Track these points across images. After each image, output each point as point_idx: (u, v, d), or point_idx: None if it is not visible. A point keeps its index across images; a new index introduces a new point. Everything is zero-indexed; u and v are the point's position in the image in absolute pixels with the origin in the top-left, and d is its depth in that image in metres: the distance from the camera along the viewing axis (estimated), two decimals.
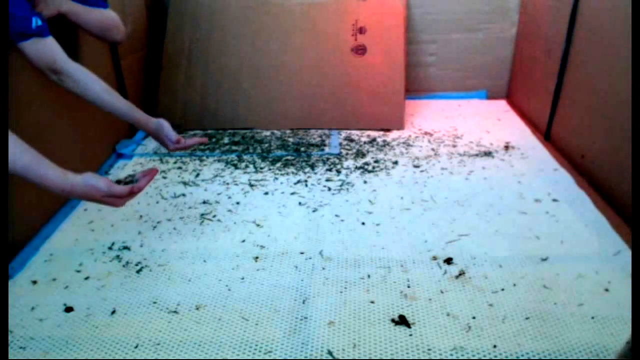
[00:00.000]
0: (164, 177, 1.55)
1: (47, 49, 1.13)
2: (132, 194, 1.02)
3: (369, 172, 1.56)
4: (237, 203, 1.40)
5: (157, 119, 1.28)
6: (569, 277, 1.05)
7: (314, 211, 1.34)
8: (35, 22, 1.09)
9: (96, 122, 1.59)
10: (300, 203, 1.39)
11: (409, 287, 1.04)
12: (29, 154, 0.91)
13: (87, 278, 1.09)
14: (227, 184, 1.51)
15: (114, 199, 1.00)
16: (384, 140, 1.80)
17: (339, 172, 1.57)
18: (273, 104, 1.92)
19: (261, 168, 1.60)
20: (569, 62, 1.62)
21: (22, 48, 1.10)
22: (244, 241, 1.22)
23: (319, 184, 1.50)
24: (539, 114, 1.86)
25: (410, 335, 0.91)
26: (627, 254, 1.11)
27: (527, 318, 0.94)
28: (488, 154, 1.67)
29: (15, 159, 0.88)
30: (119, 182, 1.04)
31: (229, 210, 1.36)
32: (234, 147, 1.76)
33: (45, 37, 1.12)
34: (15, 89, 1.17)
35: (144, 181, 1.05)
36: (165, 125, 1.28)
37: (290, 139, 1.82)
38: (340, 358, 0.87)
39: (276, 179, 1.53)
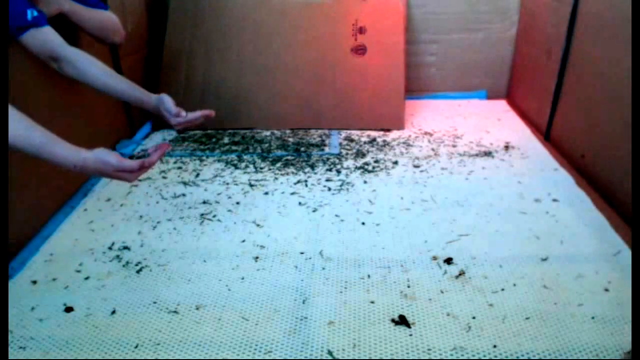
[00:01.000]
0: (164, 177, 1.55)
1: (46, 38, 1.14)
2: (143, 168, 1.03)
3: (369, 172, 1.56)
4: (237, 203, 1.40)
5: (159, 94, 1.27)
6: (569, 277, 1.05)
7: (314, 211, 1.34)
8: (31, 13, 1.09)
9: (96, 122, 1.59)
10: (300, 203, 1.39)
11: (409, 287, 1.04)
12: (40, 132, 0.92)
13: (87, 278, 1.09)
14: (227, 184, 1.50)
15: (125, 174, 1.01)
16: (384, 140, 1.80)
17: (339, 172, 1.56)
18: (273, 103, 1.92)
19: (261, 168, 1.60)
20: (569, 62, 1.62)
21: (23, 42, 1.11)
22: (244, 241, 1.22)
23: (319, 184, 1.49)
24: (539, 114, 1.86)
25: (410, 335, 0.91)
26: (627, 254, 1.11)
27: (527, 318, 0.94)
28: (488, 154, 1.67)
29: (27, 137, 0.89)
30: (131, 157, 1.05)
31: (229, 210, 1.36)
32: (234, 147, 1.76)
33: (43, 27, 1.12)
34: (13, 89, 1.16)
35: (155, 156, 1.06)
36: (165, 99, 1.26)
37: (290, 139, 1.82)
38: (340, 358, 0.87)
39: (276, 179, 1.53)
